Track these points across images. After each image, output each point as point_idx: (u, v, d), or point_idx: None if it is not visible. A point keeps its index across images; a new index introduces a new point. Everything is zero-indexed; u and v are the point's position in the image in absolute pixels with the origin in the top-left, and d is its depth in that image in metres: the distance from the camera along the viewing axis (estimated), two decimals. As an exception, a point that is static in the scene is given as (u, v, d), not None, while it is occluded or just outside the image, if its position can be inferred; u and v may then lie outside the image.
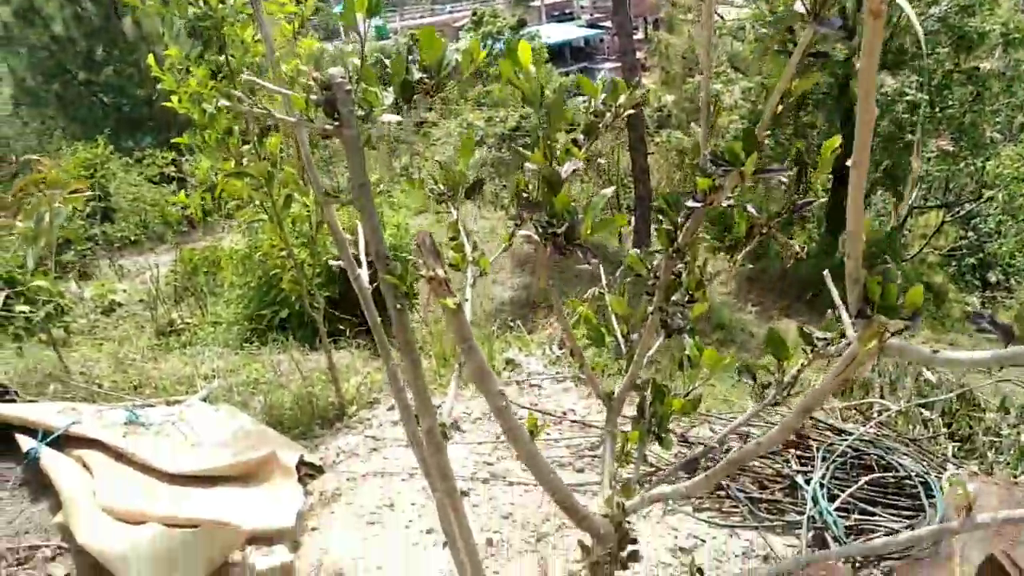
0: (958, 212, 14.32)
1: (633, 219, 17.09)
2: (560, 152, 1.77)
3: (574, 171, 1.62)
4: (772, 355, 1.49)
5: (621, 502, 1.53)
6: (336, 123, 1.44)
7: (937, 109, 11.62)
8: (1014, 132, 14.02)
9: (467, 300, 1.98)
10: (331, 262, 2.01)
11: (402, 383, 1.76)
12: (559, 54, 43.16)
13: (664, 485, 1.60)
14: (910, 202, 13.80)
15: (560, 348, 5.50)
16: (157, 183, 12.59)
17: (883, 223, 15.02)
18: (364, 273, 1.80)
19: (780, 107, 1.25)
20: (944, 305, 13.55)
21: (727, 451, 3.72)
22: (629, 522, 1.57)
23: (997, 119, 13.06)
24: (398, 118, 1.47)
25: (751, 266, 13.63)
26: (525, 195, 1.46)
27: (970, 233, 14.88)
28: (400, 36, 43.71)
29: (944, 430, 3.83)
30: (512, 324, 7.15)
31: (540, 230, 1.37)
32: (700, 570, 1.70)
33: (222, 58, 3.92)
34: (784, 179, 1.53)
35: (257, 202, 4.29)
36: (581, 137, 1.84)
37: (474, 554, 1.76)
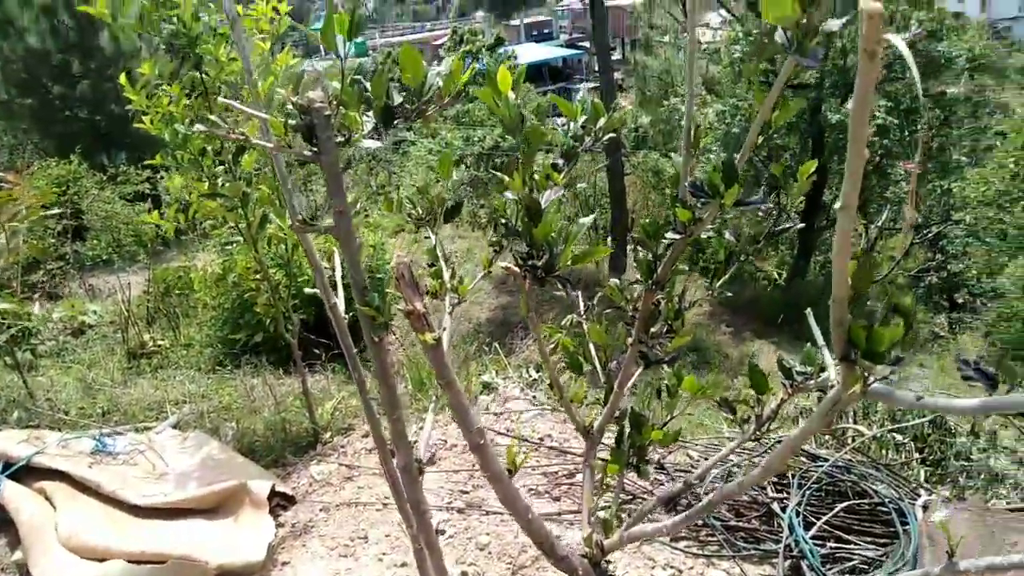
0: (926, 234, 14.61)
1: (609, 241, 17.19)
2: (540, 178, 1.76)
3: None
4: (752, 388, 1.47)
5: (600, 541, 1.50)
6: (314, 149, 1.41)
7: (906, 133, 11.89)
8: (979, 155, 14.38)
9: (446, 329, 1.96)
10: (307, 290, 1.98)
11: (378, 415, 1.72)
12: (538, 73, 43.48)
13: (644, 524, 1.58)
14: (879, 224, 14.05)
15: (537, 372, 5.48)
16: (131, 201, 12.41)
17: (854, 245, 15.23)
18: (340, 300, 1.76)
19: (761, 137, 1.25)
20: (913, 326, 13.73)
21: (708, 481, 3.71)
22: (608, 561, 1.54)
23: (964, 143, 13.39)
24: (379, 144, 1.45)
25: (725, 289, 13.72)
26: (504, 223, 1.44)
27: (938, 255, 15.17)
28: (379, 53, 43.81)
29: (917, 455, 3.86)
30: (490, 346, 7.11)
31: (520, 261, 1.35)
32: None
33: (197, 76, 3.88)
34: (763, 210, 1.53)
35: (231, 223, 4.23)
36: (561, 161, 1.84)
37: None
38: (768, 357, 11.63)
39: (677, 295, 1.69)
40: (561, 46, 48.96)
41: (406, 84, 1.45)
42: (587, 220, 1.39)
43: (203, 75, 3.79)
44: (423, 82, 1.43)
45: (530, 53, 43.23)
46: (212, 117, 1.49)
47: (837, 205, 0.71)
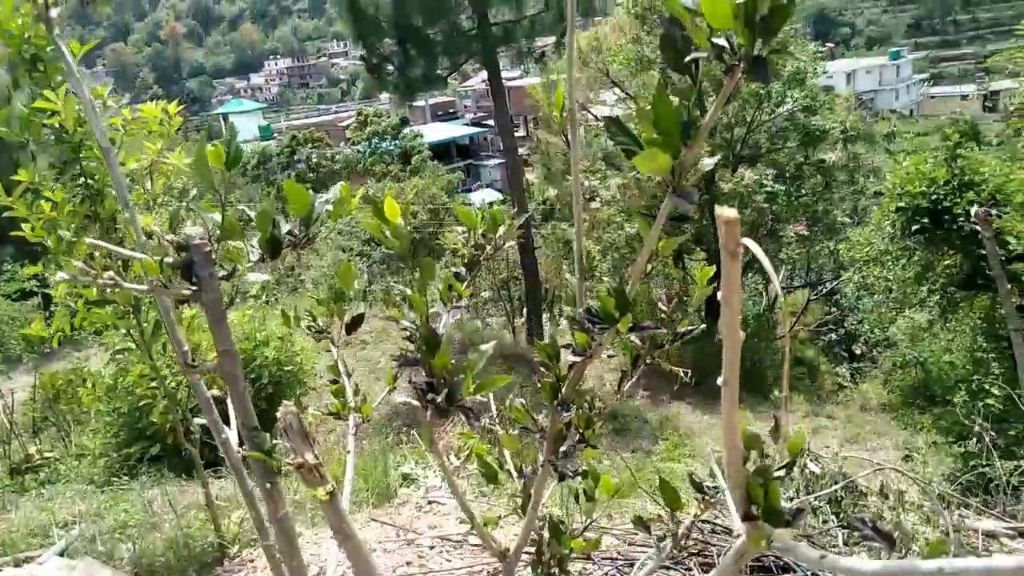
0: (821, 290, 15.47)
1: (524, 312, 17.35)
2: (442, 288, 1.73)
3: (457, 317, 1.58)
4: (665, 505, 1.45)
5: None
6: (194, 287, 1.34)
7: (793, 198, 12.67)
8: (859, 215, 15.50)
9: (350, 452, 1.87)
10: (196, 420, 1.85)
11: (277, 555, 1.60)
12: (445, 151, 44.34)
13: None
14: (777, 283, 14.76)
15: (459, 459, 5.33)
16: (17, 299, 11.67)
17: (755, 303, 15.98)
18: (232, 435, 1.66)
19: (649, 266, 1.28)
20: (818, 378, 14.40)
21: None
22: None
23: (844, 205, 14.42)
24: (266, 278, 1.39)
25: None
26: (402, 353, 1.40)
27: (833, 309, 16.07)
28: (284, 136, 43.71)
29: (833, 519, 3.95)
30: (407, 434, 6.92)
31: (419, 393, 1.30)
32: None
33: (82, 179, 3.72)
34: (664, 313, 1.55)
35: (123, 330, 3.99)
36: (463, 270, 1.82)
37: None
38: (685, 418, 11.85)
39: (588, 400, 1.67)
40: (466, 124, 50.27)
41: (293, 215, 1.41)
42: (488, 347, 1.36)
43: (89, 180, 3.64)
44: (311, 211, 1.40)
45: (437, 132, 44.16)
46: (81, 266, 1.38)
47: (720, 380, 0.71)
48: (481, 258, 1.72)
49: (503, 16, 12.51)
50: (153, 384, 4.17)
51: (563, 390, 1.39)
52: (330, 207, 1.46)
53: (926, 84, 63.50)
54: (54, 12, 1.63)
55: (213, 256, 1.28)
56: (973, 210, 4.16)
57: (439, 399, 1.26)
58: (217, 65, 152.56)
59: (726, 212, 0.62)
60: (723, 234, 0.62)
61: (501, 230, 1.77)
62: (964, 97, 50.75)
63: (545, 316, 18.41)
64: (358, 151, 35.65)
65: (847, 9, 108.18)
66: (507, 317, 18.03)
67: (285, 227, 1.39)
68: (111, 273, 1.36)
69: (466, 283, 1.69)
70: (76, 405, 7.47)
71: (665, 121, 0.85)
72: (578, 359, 1.30)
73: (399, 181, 30.92)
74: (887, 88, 56.77)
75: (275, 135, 51.31)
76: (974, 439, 6.16)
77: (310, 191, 1.43)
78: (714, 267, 1.76)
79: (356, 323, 2.01)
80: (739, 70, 0.75)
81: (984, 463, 5.64)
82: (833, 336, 15.12)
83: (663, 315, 1.71)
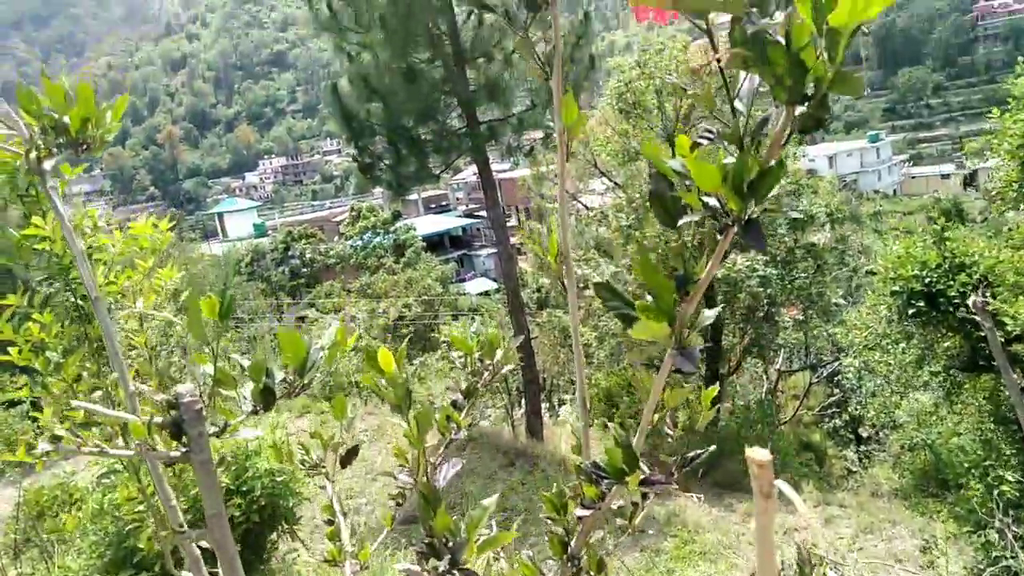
0: (822, 373, 15.36)
1: (523, 402, 17.11)
2: (440, 419, 1.66)
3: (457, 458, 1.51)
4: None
5: None
6: (184, 448, 1.27)
7: (787, 282, 12.76)
8: (854, 295, 15.59)
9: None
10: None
11: None
12: (439, 243, 44.98)
13: None
14: (778, 367, 14.69)
15: None
16: (4, 407, 11.44)
17: (757, 387, 15.83)
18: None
19: (656, 418, 1.22)
20: (826, 463, 14.09)
21: None
22: None
23: (838, 286, 14.52)
24: (259, 433, 1.32)
25: (645, 444, 13.77)
26: (400, 504, 1.32)
27: (836, 390, 15.91)
28: (279, 233, 44.39)
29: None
30: (404, 545, 6.64)
31: (420, 557, 1.22)
32: None
33: (71, 300, 3.69)
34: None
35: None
36: (460, 398, 1.76)
37: None
38: (693, 512, 11.47)
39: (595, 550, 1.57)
40: (459, 216, 51.22)
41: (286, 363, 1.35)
42: (490, 502, 1.28)
43: (77, 300, 3.60)
44: (305, 359, 1.34)
45: (430, 224, 44.92)
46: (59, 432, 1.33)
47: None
48: (480, 384, 1.66)
49: (492, 115, 12.90)
50: (141, 508, 4.00)
51: (572, 543, 1.31)
52: (324, 353, 1.40)
53: (907, 165, 65.47)
54: (47, 165, 1.63)
55: (204, 413, 1.22)
56: (971, 300, 4.16)
57: (442, 568, 1.17)
58: (213, 165, 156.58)
59: (758, 455, 0.57)
60: (756, 476, 0.57)
61: (499, 354, 1.72)
62: (945, 176, 52.21)
63: (544, 406, 18.18)
64: (351, 246, 36.11)
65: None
66: (505, 409, 17.76)
67: (279, 375, 1.33)
68: (97, 441, 1.29)
69: (464, 412, 1.63)
70: (60, 530, 7.18)
71: (657, 287, 0.83)
72: (587, 512, 1.22)
73: (393, 274, 31.19)
74: (869, 169, 58.46)
75: (269, 232, 52.12)
76: (993, 529, 5.96)
77: (305, 338, 1.38)
78: (716, 386, 1.71)
79: (351, 456, 1.92)
80: (732, 231, 0.73)
81: (1007, 554, 5.43)
82: (838, 422, 14.93)
83: (669, 436, 1.65)
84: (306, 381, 1.42)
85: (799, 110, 0.65)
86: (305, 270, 38.83)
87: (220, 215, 61.53)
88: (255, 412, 1.37)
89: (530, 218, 26.55)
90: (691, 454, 1.67)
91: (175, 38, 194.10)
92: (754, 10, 0.61)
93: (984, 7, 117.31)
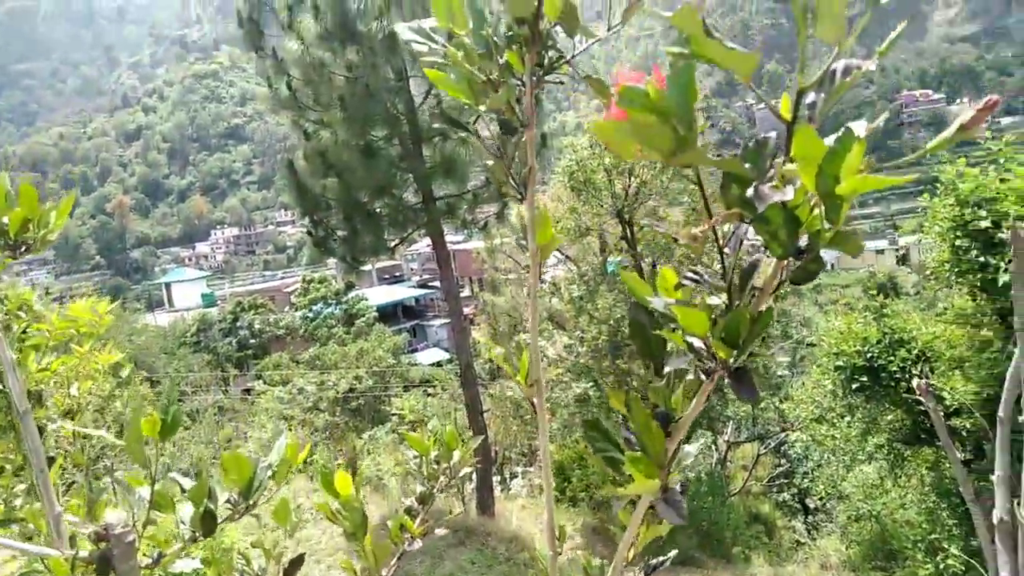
0: (770, 444, 15.51)
1: (474, 477, 16.77)
2: (392, 529, 1.63)
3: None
4: None
5: None
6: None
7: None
8: (798, 366, 15.94)
9: None
10: None
11: None
12: (392, 313, 44.65)
13: None
14: (727, 438, 14.80)
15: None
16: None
17: (706, 456, 15.87)
18: None
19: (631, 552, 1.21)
20: (775, 535, 14.07)
21: None
22: None
23: (782, 358, 14.85)
24: (196, 565, 1.27)
25: (596, 518, 13.60)
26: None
27: (783, 460, 16.06)
28: (228, 303, 43.50)
29: None
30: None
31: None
32: None
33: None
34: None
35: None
36: (415, 504, 1.72)
37: None
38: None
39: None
40: (412, 286, 51.13)
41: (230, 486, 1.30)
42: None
43: (4, 388, 3.46)
44: (251, 480, 1.30)
45: (383, 295, 44.67)
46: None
47: None
48: (436, 490, 1.63)
49: (447, 190, 13.08)
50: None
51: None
52: (272, 471, 1.36)
53: (843, 239, 67.93)
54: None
55: (136, 545, 1.15)
56: (915, 383, 4.33)
57: None
58: (163, 235, 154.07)
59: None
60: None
61: (456, 455, 1.71)
62: (879, 252, 54.52)
63: (496, 479, 17.85)
64: (302, 316, 35.59)
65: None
66: (456, 486, 17.39)
67: (223, 496, 1.28)
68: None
69: (418, 519, 1.60)
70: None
71: (646, 437, 0.82)
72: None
73: (343, 345, 30.72)
74: (808, 243, 60.44)
75: (219, 302, 51.06)
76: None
77: (251, 459, 1.33)
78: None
79: (295, 567, 1.85)
80: (717, 375, 0.73)
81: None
82: (786, 494, 15.03)
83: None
84: (252, 502, 1.36)
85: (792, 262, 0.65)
86: (253, 341, 38.01)
87: (167, 285, 60.21)
88: (194, 540, 1.30)
89: (484, 289, 26.70)
90: (653, 562, 1.67)
91: (131, 110, 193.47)
92: (764, 181, 0.61)
93: (907, 96, 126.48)
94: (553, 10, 0.77)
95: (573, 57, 0.88)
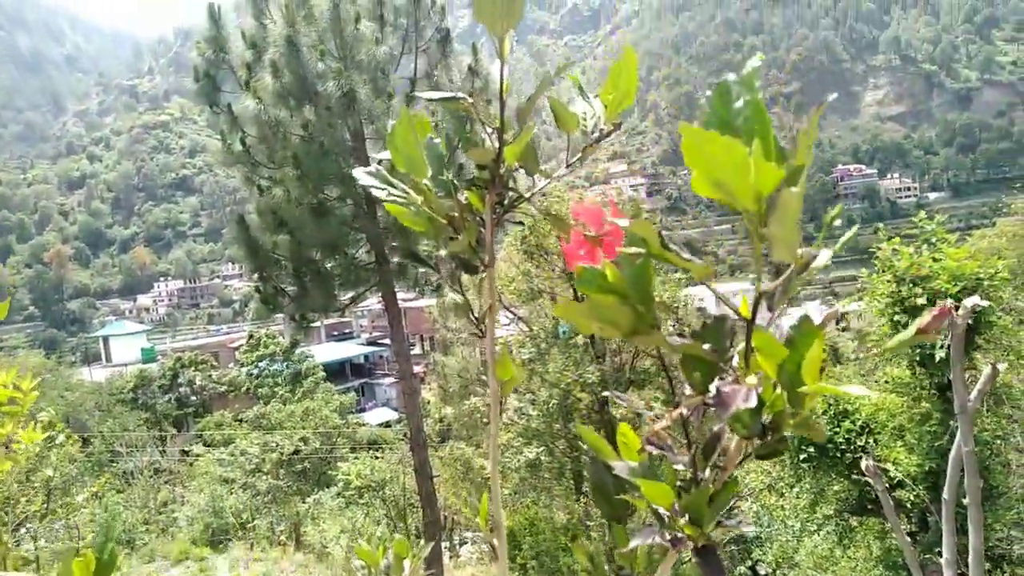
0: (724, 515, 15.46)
1: (422, 543, 16.24)
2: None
3: None
4: None
5: None
6: None
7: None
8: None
9: None
10: None
11: None
12: (339, 371, 43.81)
13: None
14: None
15: None
16: None
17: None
18: None
19: None
20: (730, 605, 13.93)
21: None
22: None
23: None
24: None
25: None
26: None
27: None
28: (168, 359, 42.03)
29: None
30: None
31: None
32: None
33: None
34: None
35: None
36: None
37: None
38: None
39: None
40: (362, 344, 50.39)
41: None
42: None
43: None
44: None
45: (331, 352, 43.88)
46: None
47: None
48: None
49: (400, 251, 13.04)
50: None
51: None
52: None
53: (784, 307, 70.04)
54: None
55: None
56: (864, 464, 4.39)
57: None
58: (103, 286, 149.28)
59: None
60: None
61: (407, 566, 1.63)
62: (821, 317, 56.25)
63: (444, 544, 17.37)
64: (247, 373, 34.62)
65: (708, 241, 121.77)
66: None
67: None
68: None
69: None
70: None
71: None
72: None
73: (289, 403, 29.87)
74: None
75: (159, 357, 49.41)
76: None
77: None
78: None
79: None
80: (682, 546, 0.70)
81: None
82: (742, 568, 14.96)
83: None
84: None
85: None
86: (194, 399, 36.72)
87: (105, 338, 58.07)
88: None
89: (435, 349, 26.48)
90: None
91: (75, 158, 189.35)
92: (726, 367, 0.61)
93: (842, 170, 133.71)
94: (513, 156, 0.76)
95: (532, 196, 0.87)
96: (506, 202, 0.82)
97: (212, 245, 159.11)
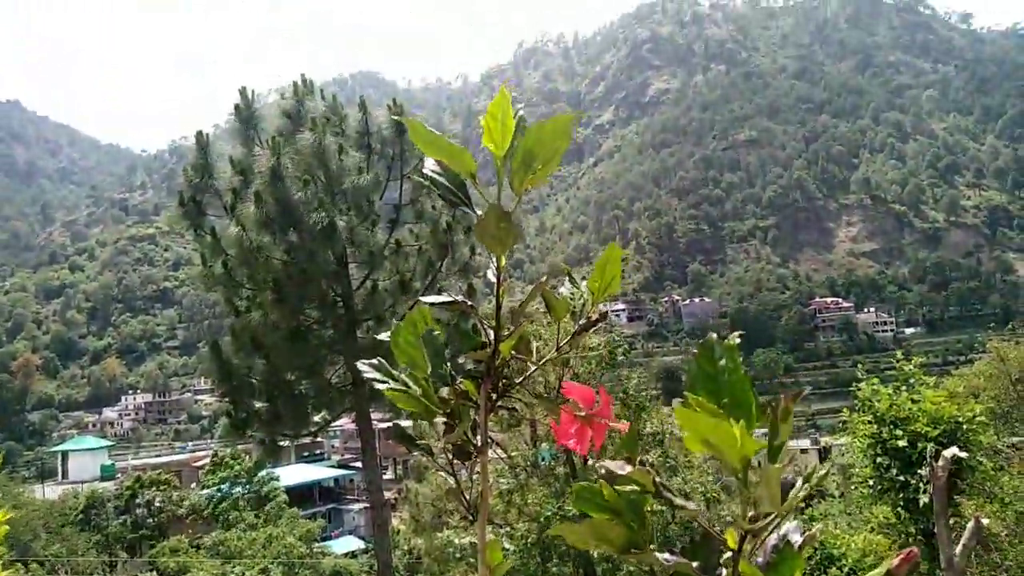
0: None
1: None
2: None
3: None
4: None
5: None
6: None
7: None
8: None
9: None
10: None
11: None
12: (307, 494, 42.13)
13: None
14: None
15: None
16: None
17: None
18: None
19: None
20: None
21: None
22: None
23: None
24: None
25: None
26: None
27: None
28: (127, 478, 40.22)
29: None
30: None
31: None
32: None
33: None
34: None
35: None
36: None
37: None
38: None
39: None
40: (332, 466, 48.81)
41: None
42: None
43: None
44: None
45: (300, 474, 42.35)
46: None
47: None
48: None
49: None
50: None
51: None
52: None
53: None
54: None
55: None
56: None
57: None
58: (70, 398, 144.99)
59: None
60: None
61: None
62: (804, 451, 55.71)
63: None
64: (208, 496, 33.10)
65: (685, 367, 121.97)
66: None
67: None
68: None
69: None
70: None
71: None
72: None
73: (252, 529, 28.38)
74: (735, 440, 61.39)
75: (119, 475, 47.38)
76: None
77: None
78: None
79: None
80: None
81: None
82: None
83: None
84: None
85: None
86: (151, 521, 34.88)
87: (64, 454, 55.78)
88: None
89: (409, 476, 25.70)
90: None
91: (56, 267, 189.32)
92: None
93: (819, 303, 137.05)
94: (508, 349, 0.78)
95: (523, 381, 0.87)
96: (500, 387, 0.82)
97: (187, 358, 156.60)
